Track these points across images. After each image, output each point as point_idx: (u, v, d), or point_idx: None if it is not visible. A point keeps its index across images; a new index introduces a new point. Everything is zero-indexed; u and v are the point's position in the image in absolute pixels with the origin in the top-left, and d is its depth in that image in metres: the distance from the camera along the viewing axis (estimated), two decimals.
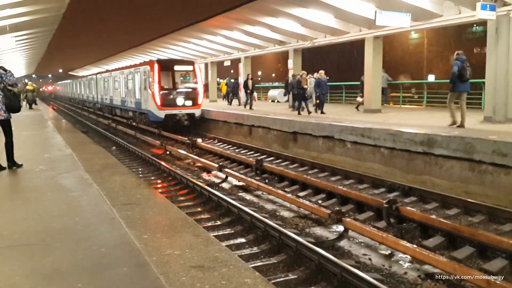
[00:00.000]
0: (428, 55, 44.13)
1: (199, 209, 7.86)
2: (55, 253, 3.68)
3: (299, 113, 15.90)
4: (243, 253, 5.60)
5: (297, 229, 6.87)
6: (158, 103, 18.86)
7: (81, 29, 25.39)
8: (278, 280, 4.82)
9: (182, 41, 27.03)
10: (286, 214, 7.79)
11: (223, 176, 10.36)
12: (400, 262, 5.64)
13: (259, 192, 9.15)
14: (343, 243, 6.26)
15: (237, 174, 10.33)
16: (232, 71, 38.07)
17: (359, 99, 17.99)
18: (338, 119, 13.52)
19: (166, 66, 19.88)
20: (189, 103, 19.39)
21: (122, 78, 24.80)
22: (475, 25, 37.08)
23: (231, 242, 6.09)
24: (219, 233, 6.38)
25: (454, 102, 10.95)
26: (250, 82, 20.36)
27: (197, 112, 19.61)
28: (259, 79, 60.35)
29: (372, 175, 10.06)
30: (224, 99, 27.45)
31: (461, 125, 10.44)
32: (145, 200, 5.37)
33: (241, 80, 24.96)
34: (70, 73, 67.57)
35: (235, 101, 24.79)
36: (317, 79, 16.71)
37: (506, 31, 11.21)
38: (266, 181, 10.15)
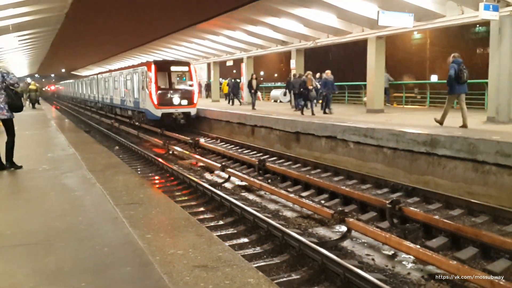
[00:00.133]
0: (430, 55, 43.96)
1: (202, 209, 7.86)
2: (58, 253, 3.68)
3: (302, 113, 15.88)
4: (246, 253, 5.59)
5: (300, 229, 6.86)
6: (155, 102, 19.39)
7: (84, 29, 25.52)
8: (281, 280, 4.81)
9: (185, 41, 27.04)
10: (289, 214, 7.78)
11: (226, 176, 10.36)
12: (404, 262, 5.63)
13: (262, 192, 9.15)
14: (346, 243, 6.25)
15: (239, 174, 10.31)
16: (234, 71, 38.07)
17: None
18: (341, 119, 13.49)
19: (163, 66, 20.59)
20: (185, 102, 19.98)
21: (121, 78, 25.17)
22: (478, 26, 36.92)
23: (234, 242, 6.09)
24: (222, 233, 6.37)
25: (451, 106, 10.92)
26: (254, 82, 20.40)
27: (192, 111, 20.19)
28: (261, 79, 60.31)
29: (375, 175, 10.04)
30: (226, 99, 27.46)
31: (464, 126, 10.42)
32: (148, 199, 5.37)
33: (244, 80, 24.98)
34: (72, 72, 67.76)
35: (235, 101, 24.77)
36: (324, 79, 16.70)
37: (509, 32, 11.16)
38: (269, 181, 10.14)
